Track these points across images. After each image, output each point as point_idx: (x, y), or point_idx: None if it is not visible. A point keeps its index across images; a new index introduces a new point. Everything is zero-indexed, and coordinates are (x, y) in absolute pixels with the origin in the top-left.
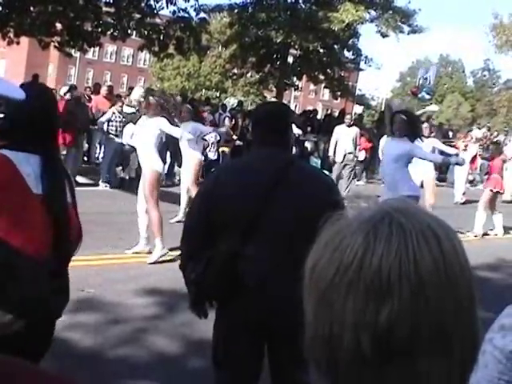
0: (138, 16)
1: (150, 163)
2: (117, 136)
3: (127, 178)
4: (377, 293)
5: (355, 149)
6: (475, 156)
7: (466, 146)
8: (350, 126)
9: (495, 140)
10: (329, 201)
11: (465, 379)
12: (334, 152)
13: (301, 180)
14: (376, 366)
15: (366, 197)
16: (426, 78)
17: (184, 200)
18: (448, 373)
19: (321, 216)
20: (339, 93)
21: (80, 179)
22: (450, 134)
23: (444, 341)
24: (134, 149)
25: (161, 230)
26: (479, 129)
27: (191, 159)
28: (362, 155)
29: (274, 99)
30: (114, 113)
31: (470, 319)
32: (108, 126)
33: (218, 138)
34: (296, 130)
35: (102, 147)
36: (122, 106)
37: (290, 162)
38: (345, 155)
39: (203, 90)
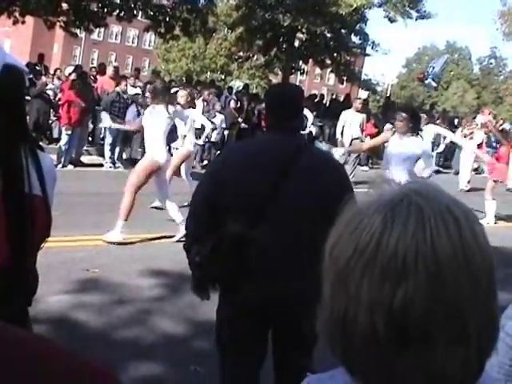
0: None
1: (155, 152)
2: (119, 117)
3: (130, 158)
4: (392, 274)
5: (362, 134)
6: (481, 143)
7: (471, 133)
8: (359, 111)
9: (501, 128)
10: (339, 185)
11: (482, 366)
12: (341, 136)
13: (312, 164)
14: (391, 350)
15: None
16: (434, 67)
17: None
18: (465, 361)
19: (332, 200)
20: (345, 77)
21: (85, 159)
22: (456, 121)
23: (461, 328)
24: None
25: (127, 215)
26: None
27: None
28: (367, 141)
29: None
30: (118, 94)
31: (488, 306)
32: (112, 106)
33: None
34: (308, 115)
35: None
36: (126, 87)
37: (301, 147)
38: (351, 140)
39: (208, 73)
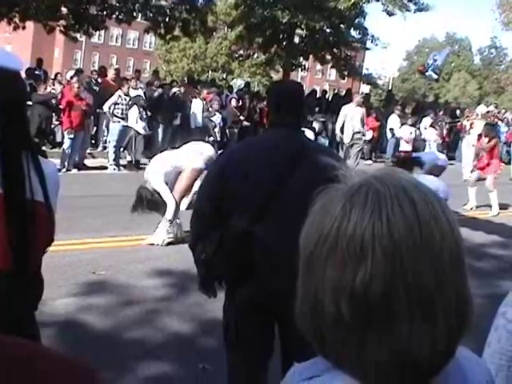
0: None
1: (192, 160)
2: (122, 119)
3: (134, 160)
4: (352, 258)
5: (363, 127)
6: (481, 134)
7: (471, 124)
8: (359, 105)
9: (492, 122)
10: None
11: (451, 348)
12: (342, 131)
13: (315, 162)
14: (358, 332)
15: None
16: (436, 60)
17: None
18: (432, 339)
19: None
20: (346, 72)
21: (88, 163)
22: (458, 112)
23: (425, 306)
24: (138, 132)
25: (174, 218)
26: (486, 106)
27: None
28: (369, 134)
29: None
30: (119, 96)
31: (455, 284)
32: (114, 109)
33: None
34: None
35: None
36: (128, 89)
37: (304, 144)
38: (353, 134)
39: (210, 72)
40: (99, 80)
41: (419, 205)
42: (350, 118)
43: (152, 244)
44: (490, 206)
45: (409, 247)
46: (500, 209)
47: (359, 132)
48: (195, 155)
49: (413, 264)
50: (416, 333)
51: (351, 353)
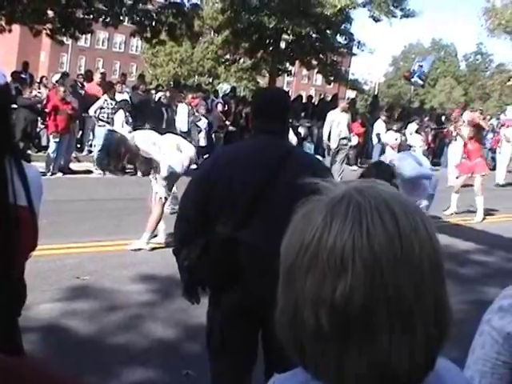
0: (129, 2)
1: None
2: (108, 123)
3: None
4: (332, 269)
5: (349, 133)
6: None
7: (458, 130)
8: (345, 111)
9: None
10: None
11: (430, 361)
12: (329, 138)
13: (299, 167)
14: (338, 343)
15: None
16: (422, 66)
17: None
18: (411, 350)
19: None
20: (332, 78)
21: (74, 166)
22: (443, 118)
23: (404, 317)
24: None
25: (154, 227)
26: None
27: None
28: (355, 140)
29: (266, 85)
30: (105, 100)
31: (434, 294)
32: (99, 113)
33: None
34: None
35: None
36: (114, 93)
37: (289, 150)
38: (339, 140)
39: (196, 76)
40: (85, 84)
41: (400, 217)
42: (337, 123)
43: (137, 250)
44: (473, 212)
45: (389, 260)
46: (485, 215)
47: (345, 138)
48: (172, 151)
49: (393, 276)
50: (395, 344)
51: (330, 364)
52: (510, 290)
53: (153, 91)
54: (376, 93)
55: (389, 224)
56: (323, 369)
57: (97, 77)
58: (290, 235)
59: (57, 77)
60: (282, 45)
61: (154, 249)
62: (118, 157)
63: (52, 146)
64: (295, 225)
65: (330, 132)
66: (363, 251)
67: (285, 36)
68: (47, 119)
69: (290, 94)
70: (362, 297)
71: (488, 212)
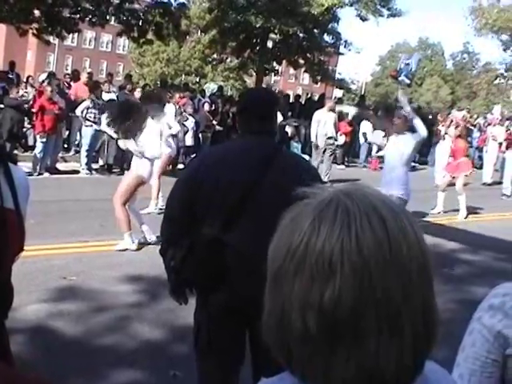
0: (116, 1)
1: (139, 165)
2: (95, 123)
3: (106, 164)
4: (320, 273)
5: (336, 133)
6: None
7: (446, 129)
8: (332, 110)
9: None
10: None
11: (418, 364)
12: (316, 137)
13: (286, 167)
14: (325, 347)
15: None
16: (408, 64)
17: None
18: (399, 352)
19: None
20: (319, 77)
21: (61, 166)
22: (430, 117)
23: (392, 319)
24: (111, 136)
25: (128, 226)
26: (459, 111)
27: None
28: (341, 139)
29: (253, 84)
30: (92, 100)
31: (422, 296)
32: (86, 113)
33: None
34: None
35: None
36: (100, 93)
37: (275, 150)
38: (326, 140)
39: (183, 76)
40: (72, 83)
41: (388, 221)
42: (323, 123)
43: (123, 250)
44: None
45: (378, 263)
46: (471, 214)
47: (331, 137)
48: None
49: (382, 279)
50: (384, 347)
51: (318, 368)
52: (501, 289)
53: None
54: (363, 92)
55: (377, 228)
56: (310, 373)
57: (83, 76)
58: (277, 239)
59: (43, 76)
60: (269, 44)
61: (140, 249)
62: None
63: (39, 146)
64: (283, 229)
65: (316, 131)
66: (352, 255)
67: (272, 35)
68: (34, 119)
69: (277, 93)
70: (350, 300)
71: (475, 211)
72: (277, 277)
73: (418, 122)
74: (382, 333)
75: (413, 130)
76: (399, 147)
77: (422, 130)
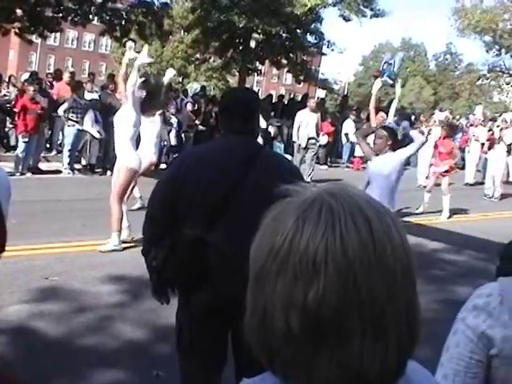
0: (99, 1)
1: (127, 159)
2: (77, 122)
3: (89, 164)
4: (304, 274)
5: (317, 133)
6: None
7: (429, 130)
8: (313, 110)
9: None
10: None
11: (401, 366)
12: (298, 137)
13: (268, 167)
14: (308, 347)
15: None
16: (391, 64)
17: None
18: (383, 353)
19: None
20: (302, 77)
21: (43, 166)
22: (413, 117)
23: (376, 320)
24: (93, 136)
25: (119, 225)
26: (441, 111)
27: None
28: (324, 139)
29: (236, 84)
30: (75, 100)
31: (406, 298)
32: (69, 112)
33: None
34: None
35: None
36: (83, 93)
37: (258, 150)
38: (308, 140)
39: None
40: (54, 83)
41: (373, 222)
42: (306, 123)
43: (110, 251)
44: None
45: (363, 264)
46: (454, 214)
47: (313, 138)
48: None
49: (366, 280)
50: (367, 348)
51: (300, 368)
52: (485, 289)
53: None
54: (346, 92)
55: (362, 229)
56: (293, 373)
57: (66, 76)
58: (259, 238)
59: (26, 76)
60: (252, 44)
61: (122, 249)
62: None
63: (21, 146)
64: (265, 228)
65: (298, 131)
66: (336, 255)
67: (255, 35)
68: (16, 119)
69: (259, 93)
70: (334, 300)
71: (457, 211)
72: (259, 276)
73: (414, 133)
74: (366, 333)
75: (395, 148)
76: (380, 168)
77: (417, 143)
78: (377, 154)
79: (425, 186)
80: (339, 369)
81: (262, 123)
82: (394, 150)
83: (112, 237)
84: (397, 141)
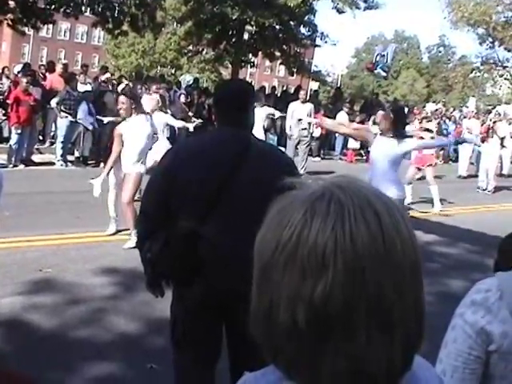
0: None
1: (136, 166)
2: (70, 114)
3: (82, 156)
4: (312, 267)
5: (310, 125)
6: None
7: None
8: (304, 102)
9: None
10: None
11: (407, 362)
12: (290, 128)
13: (261, 159)
14: (314, 341)
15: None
16: (384, 56)
17: None
18: (389, 350)
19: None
20: (295, 69)
21: (36, 158)
22: (406, 110)
23: (384, 316)
24: (87, 128)
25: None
26: (434, 103)
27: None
28: (317, 132)
29: (229, 76)
30: (67, 91)
31: (413, 293)
32: (62, 104)
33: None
34: (271, 110)
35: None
36: (76, 84)
37: (251, 142)
38: (299, 131)
39: (158, 67)
40: (47, 75)
41: (383, 216)
42: (298, 114)
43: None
44: (428, 203)
45: (372, 259)
46: (447, 207)
47: (305, 129)
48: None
49: (375, 275)
50: (374, 343)
51: (304, 363)
52: (483, 284)
53: (113, 82)
54: (339, 84)
55: (372, 222)
56: (296, 367)
57: (59, 68)
58: (264, 232)
59: (19, 67)
60: (245, 36)
61: (117, 242)
62: None
63: (14, 138)
64: (271, 221)
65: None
66: (346, 250)
67: (248, 27)
68: (9, 110)
69: (253, 84)
70: (342, 295)
71: (450, 204)
72: (265, 270)
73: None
74: (372, 328)
75: (401, 134)
76: (385, 150)
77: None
78: (381, 133)
79: (419, 179)
80: (344, 363)
81: (270, 110)
82: (396, 135)
83: (133, 234)
84: (400, 124)
